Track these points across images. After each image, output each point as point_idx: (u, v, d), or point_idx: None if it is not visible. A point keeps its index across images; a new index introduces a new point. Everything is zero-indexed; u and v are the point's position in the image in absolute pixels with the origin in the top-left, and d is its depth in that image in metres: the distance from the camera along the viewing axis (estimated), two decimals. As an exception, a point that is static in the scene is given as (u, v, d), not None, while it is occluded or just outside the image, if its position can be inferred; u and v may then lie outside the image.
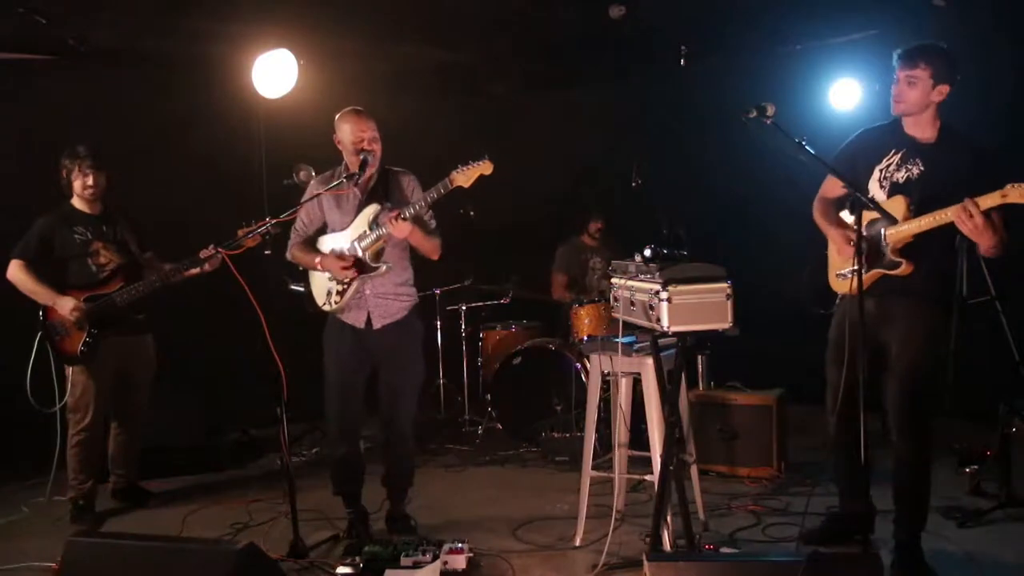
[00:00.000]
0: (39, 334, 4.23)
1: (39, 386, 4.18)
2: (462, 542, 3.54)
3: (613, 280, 3.77)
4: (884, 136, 3.44)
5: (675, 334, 3.34)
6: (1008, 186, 2.93)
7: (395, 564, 3.41)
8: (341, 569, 3.43)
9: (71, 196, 4.36)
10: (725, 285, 3.35)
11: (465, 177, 3.61)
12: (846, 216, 3.51)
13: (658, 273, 3.36)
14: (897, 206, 3.27)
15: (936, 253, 3.27)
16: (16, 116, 5.36)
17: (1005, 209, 3.01)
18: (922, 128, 3.35)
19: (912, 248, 3.27)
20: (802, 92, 5.91)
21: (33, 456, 4.65)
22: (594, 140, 7.09)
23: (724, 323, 3.35)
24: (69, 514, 4.33)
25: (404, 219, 3.64)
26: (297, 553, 3.64)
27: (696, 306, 3.31)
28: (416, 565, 3.39)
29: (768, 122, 3.16)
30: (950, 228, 3.13)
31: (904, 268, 3.28)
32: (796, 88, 5.92)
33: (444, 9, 5.37)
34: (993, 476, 4.20)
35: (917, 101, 3.29)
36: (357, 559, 3.47)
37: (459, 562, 3.45)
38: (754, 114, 3.16)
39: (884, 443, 3.60)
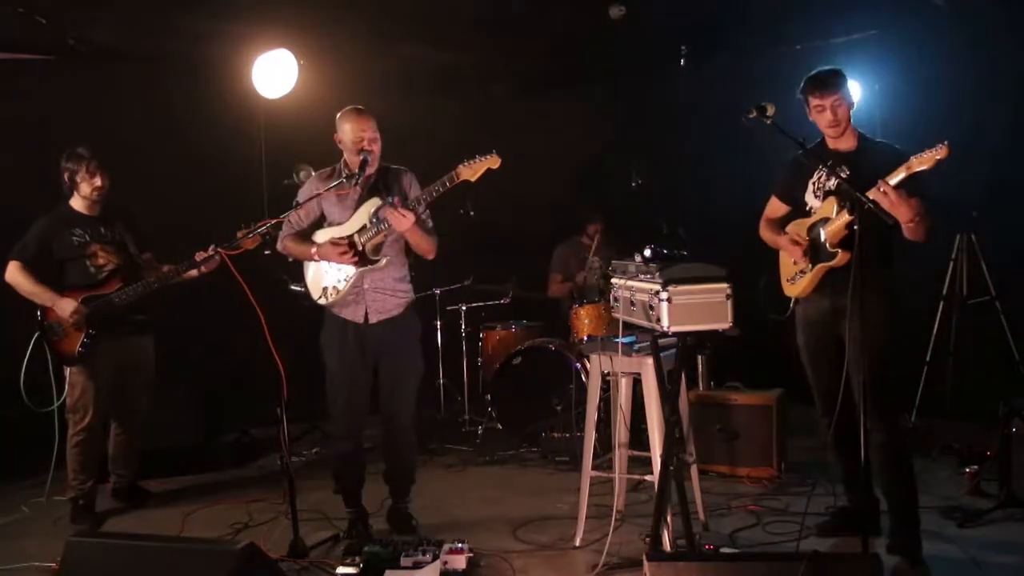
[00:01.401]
0: (36, 334, 4.23)
1: (37, 386, 4.18)
2: (462, 542, 3.54)
3: (613, 280, 3.77)
4: (811, 156, 3.64)
5: (675, 334, 3.34)
6: (911, 158, 3.18)
7: (395, 564, 3.41)
8: (341, 569, 3.43)
9: (70, 197, 4.35)
10: (725, 285, 3.36)
11: (471, 171, 3.60)
12: (794, 225, 3.74)
13: (658, 273, 3.36)
14: (828, 206, 3.54)
15: (873, 243, 3.39)
16: (16, 116, 5.36)
17: (924, 197, 3.27)
18: (845, 141, 3.60)
19: (848, 240, 3.42)
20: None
21: (33, 456, 4.64)
22: (594, 140, 7.09)
23: (724, 323, 3.35)
24: (69, 514, 4.33)
25: (407, 211, 3.63)
26: (297, 553, 3.64)
27: (696, 306, 3.32)
28: (416, 565, 3.39)
29: (768, 122, 3.25)
30: (882, 220, 3.25)
31: (840, 258, 3.45)
32: (796, 88, 5.91)
33: (444, 9, 5.37)
34: (993, 476, 4.20)
35: (846, 117, 3.57)
36: (357, 559, 3.47)
37: (459, 562, 3.45)
38: (754, 114, 3.27)
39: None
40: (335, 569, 3.46)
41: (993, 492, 4.12)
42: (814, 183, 3.64)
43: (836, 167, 3.51)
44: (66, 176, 4.30)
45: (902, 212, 3.22)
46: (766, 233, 3.89)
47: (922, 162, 3.16)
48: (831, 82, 3.53)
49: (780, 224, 3.84)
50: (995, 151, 5.07)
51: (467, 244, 6.05)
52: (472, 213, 6.05)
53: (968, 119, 5.29)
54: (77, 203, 4.36)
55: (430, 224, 3.91)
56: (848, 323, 3.22)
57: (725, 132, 5.77)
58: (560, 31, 5.93)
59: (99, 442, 4.43)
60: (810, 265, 3.60)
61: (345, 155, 3.88)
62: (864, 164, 3.47)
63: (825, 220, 3.53)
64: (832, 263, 3.49)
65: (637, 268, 3.56)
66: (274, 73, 5.35)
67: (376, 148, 3.80)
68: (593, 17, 5.39)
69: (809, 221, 3.64)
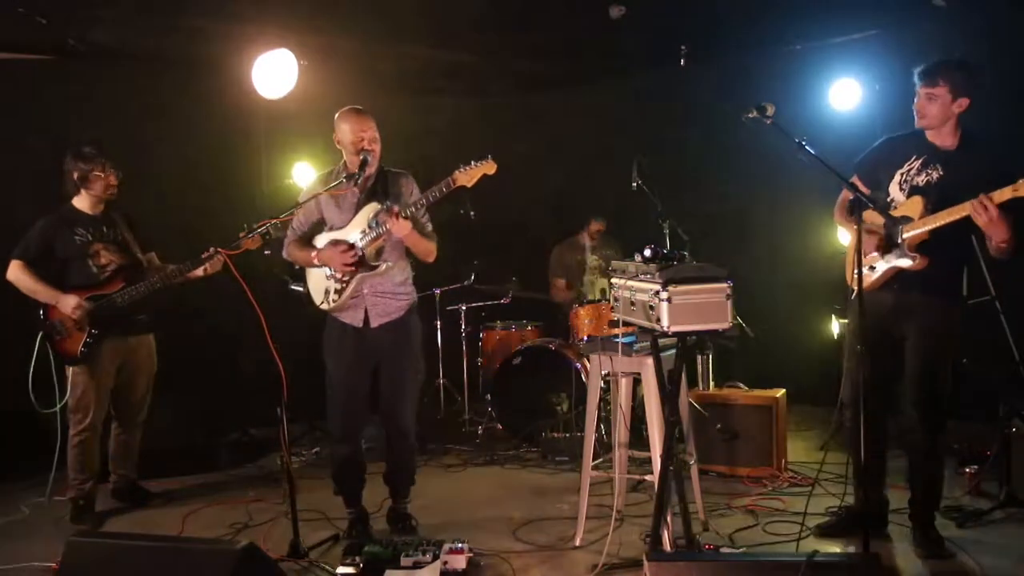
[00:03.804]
0: (40, 334, 4.22)
1: (40, 386, 4.18)
2: (462, 542, 3.54)
3: (613, 280, 3.77)
4: (907, 143, 3.59)
5: (675, 334, 3.35)
6: (1021, 180, 3.07)
7: (395, 564, 3.41)
8: (341, 569, 3.43)
9: (72, 196, 4.35)
10: (725, 285, 3.35)
11: (468, 177, 3.60)
12: (870, 215, 3.60)
13: (658, 273, 3.36)
14: (914, 205, 3.43)
15: (949, 251, 3.41)
16: (16, 116, 5.36)
17: (1016, 213, 3.17)
18: (943, 137, 3.50)
19: (927, 245, 3.41)
20: (802, 92, 5.91)
21: (33, 456, 4.64)
22: (594, 140, 7.09)
23: (724, 323, 3.35)
24: (69, 514, 4.33)
25: (405, 217, 3.64)
26: (297, 553, 3.64)
27: (696, 306, 3.32)
28: (416, 565, 3.39)
29: (768, 122, 3.25)
30: (962, 230, 3.28)
31: (919, 262, 3.41)
32: (796, 88, 5.92)
33: (444, 9, 5.37)
34: (993, 476, 4.21)
35: (937, 115, 3.45)
36: (357, 559, 3.47)
37: (459, 562, 3.45)
38: (754, 114, 3.26)
39: (898, 442, 3.66)
40: (335, 569, 3.46)
41: (993, 492, 4.13)
42: (903, 174, 3.55)
43: (928, 164, 3.46)
44: (76, 175, 4.29)
45: (999, 231, 3.18)
46: (839, 215, 3.79)
47: None
48: (931, 72, 3.42)
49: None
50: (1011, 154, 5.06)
51: (467, 244, 6.05)
52: (472, 213, 6.05)
53: (967, 119, 5.28)
54: (80, 202, 4.35)
55: (429, 228, 3.90)
56: (858, 323, 3.19)
57: (725, 132, 5.78)
58: (560, 31, 5.92)
59: (99, 442, 4.43)
60: (882, 262, 3.53)
61: (344, 156, 3.87)
62: (960, 166, 3.40)
63: (907, 219, 3.44)
64: (909, 266, 3.43)
65: (637, 268, 3.56)
66: (274, 73, 5.35)
67: (376, 149, 3.79)
68: (593, 17, 5.39)
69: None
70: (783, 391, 4.83)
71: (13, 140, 5.28)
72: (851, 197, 3.65)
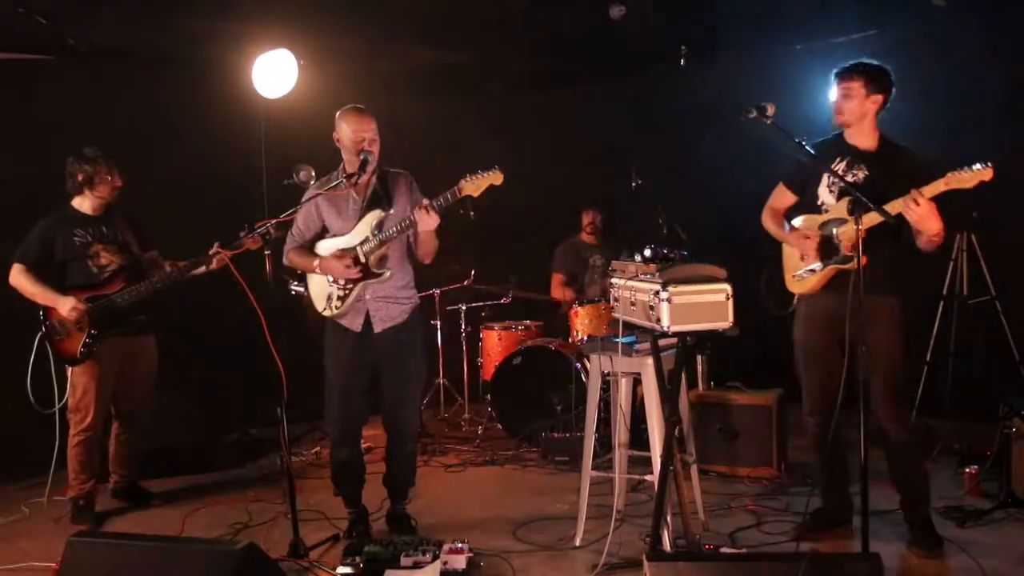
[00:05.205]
0: (39, 334, 4.22)
1: (39, 386, 4.18)
2: (462, 542, 3.54)
3: (613, 280, 3.77)
4: (828, 147, 3.65)
5: (675, 334, 3.35)
6: (949, 174, 3.15)
7: (395, 564, 3.41)
8: (341, 569, 3.43)
9: (73, 197, 4.35)
10: (725, 285, 3.36)
11: (474, 186, 3.57)
12: (797, 222, 3.73)
13: (658, 273, 3.37)
14: (845, 205, 3.47)
15: (885, 248, 3.44)
16: (16, 116, 5.36)
17: (943, 204, 3.22)
18: (862, 138, 3.57)
19: (863, 244, 3.38)
20: (802, 92, 5.91)
21: (33, 456, 4.64)
22: (594, 140, 7.09)
23: (724, 323, 3.36)
24: (69, 514, 4.34)
25: (437, 209, 3.59)
26: (297, 553, 3.64)
27: (696, 306, 3.32)
28: (416, 565, 3.39)
29: (768, 122, 3.26)
30: (895, 225, 3.31)
31: (856, 262, 3.38)
32: (796, 88, 5.91)
33: (444, 9, 5.37)
34: (993, 476, 4.21)
35: (854, 110, 3.53)
36: (357, 559, 3.47)
37: (459, 562, 3.46)
38: (754, 114, 3.28)
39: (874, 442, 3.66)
40: (335, 569, 3.46)
41: (993, 492, 4.13)
42: (829, 178, 3.59)
43: (853, 165, 3.50)
44: (80, 177, 4.29)
45: (930, 226, 3.21)
46: (769, 223, 3.83)
47: (961, 181, 3.11)
48: (846, 69, 3.52)
49: (785, 215, 3.79)
50: (994, 151, 5.06)
51: (467, 244, 6.05)
52: (472, 213, 6.05)
53: (968, 119, 5.29)
54: (81, 203, 4.35)
55: None
56: (850, 324, 3.21)
57: (725, 132, 5.78)
58: (560, 31, 5.93)
59: (100, 442, 4.43)
60: (820, 264, 3.58)
61: (344, 154, 3.86)
62: (883, 164, 3.45)
63: (841, 220, 3.50)
64: (846, 266, 3.45)
65: (637, 268, 3.56)
66: (274, 73, 5.36)
67: (375, 149, 3.78)
68: (593, 17, 5.39)
69: (821, 218, 3.61)
70: (782, 391, 4.83)
71: (13, 140, 5.28)
72: (780, 208, 3.82)
